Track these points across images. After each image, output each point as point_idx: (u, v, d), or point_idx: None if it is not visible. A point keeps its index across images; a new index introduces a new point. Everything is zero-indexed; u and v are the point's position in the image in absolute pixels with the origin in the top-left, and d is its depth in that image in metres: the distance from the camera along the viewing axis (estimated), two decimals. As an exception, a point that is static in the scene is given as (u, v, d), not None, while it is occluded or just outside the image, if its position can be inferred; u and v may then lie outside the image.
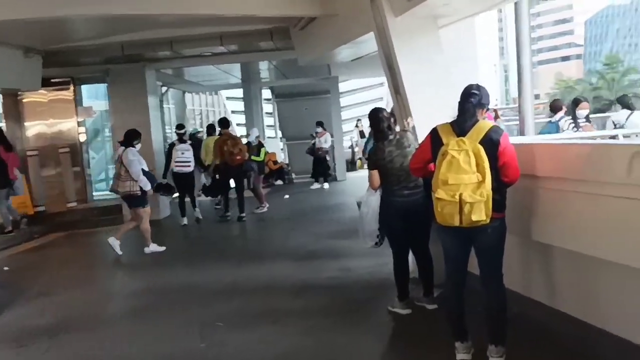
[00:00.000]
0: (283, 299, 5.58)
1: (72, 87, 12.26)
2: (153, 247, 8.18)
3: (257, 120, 17.81)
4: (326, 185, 14.97)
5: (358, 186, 14.41)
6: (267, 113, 20.92)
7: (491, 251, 3.63)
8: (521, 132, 7.16)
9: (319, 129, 15.24)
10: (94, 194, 12.91)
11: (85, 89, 13.03)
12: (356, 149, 19.22)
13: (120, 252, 8.08)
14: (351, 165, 19.25)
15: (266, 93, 21.41)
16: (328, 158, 15.80)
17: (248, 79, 16.46)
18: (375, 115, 4.86)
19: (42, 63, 10.42)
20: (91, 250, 9.42)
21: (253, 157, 11.27)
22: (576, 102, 7.94)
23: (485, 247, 3.62)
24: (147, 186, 7.97)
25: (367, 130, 16.64)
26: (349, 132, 20.35)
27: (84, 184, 12.41)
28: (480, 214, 3.34)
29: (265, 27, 9.65)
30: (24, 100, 12.29)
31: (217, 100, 24.81)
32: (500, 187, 3.53)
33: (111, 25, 8.97)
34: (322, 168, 15.41)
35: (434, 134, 3.67)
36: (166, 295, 6.08)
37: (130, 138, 8.28)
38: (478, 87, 3.65)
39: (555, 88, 64.12)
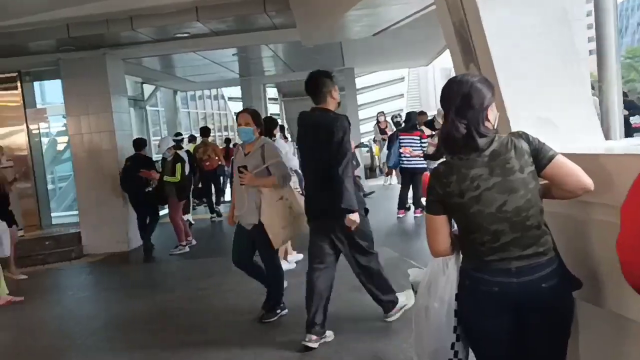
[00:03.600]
0: None
1: (19, 84, 9.70)
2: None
3: (260, 123, 15.15)
4: None
5: (380, 198, 11.79)
6: (273, 114, 18.37)
7: None
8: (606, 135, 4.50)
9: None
10: (55, 216, 10.34)
11: (46, 87, 10.47)
12: (374, 148, 16.18)
13: None
14: (370, 172, 16.75)
15: (273, 92, 18.94)
16: None
17: (247, 72, 13.80)
18: (456, 90, 2.19)
19: None
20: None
21: (166, 178, 8.34)
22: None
23: None
24: None
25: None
26: (367, 134, 17.85)
27: (36, 207, 9.83)
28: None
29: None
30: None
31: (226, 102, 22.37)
32: None
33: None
34: None
35: None
36: None
37: None
38: None
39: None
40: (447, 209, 2.22)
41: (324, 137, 4.08)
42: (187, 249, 8.46)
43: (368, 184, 13.84)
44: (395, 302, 4.55)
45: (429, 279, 2.33)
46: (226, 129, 23.10)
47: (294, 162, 6.73)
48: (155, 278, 7.52)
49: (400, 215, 9.48)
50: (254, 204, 4.65)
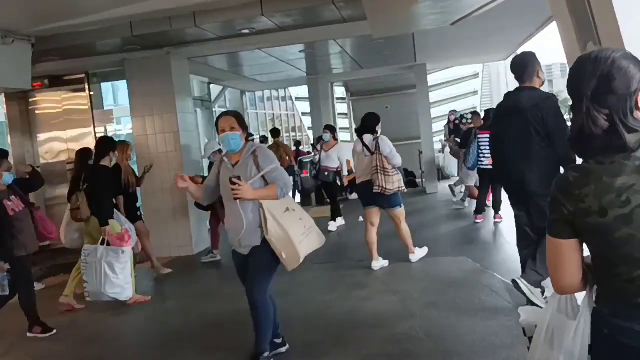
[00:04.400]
0: None
1: (86, 86, 9.68)
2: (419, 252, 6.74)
3: (328, 122, 14.71)
4: (335, 225, 9.49)
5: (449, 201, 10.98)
6: (340, 114, 17.92)
7: None
8: None
9: (327, 136, 9.53)
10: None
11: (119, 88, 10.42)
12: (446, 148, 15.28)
13: None
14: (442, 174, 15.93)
15: (340, 91, 18.47)
16: (339, 182, 10.18)
17: (315, 71, 13.37)
18: (591, 70, 1.60)
19: (37, 53, 7.91)
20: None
21: None
22: None
23: None
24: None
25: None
26: (438, 133, 17.04)
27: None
28: None
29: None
30: (33, 104, 9.96)
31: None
32: None
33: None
34: (330, 196, 9.97)
35: None
36: None
37: None
38: None
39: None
40: (580, 231, 1.63)
41: (536, 115, 4.06)
42: (218, 257, 8.06)
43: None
44: None
45: (551, 324, 1.74)
46: (294, 130, 22.90)
47: (397, 159, 6.29)
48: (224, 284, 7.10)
49: (478, 221, 8.76)
50: (255, 222, 3.82)
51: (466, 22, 7.47)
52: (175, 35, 8.09)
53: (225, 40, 8.51)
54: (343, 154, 9.18)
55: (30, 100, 9.99)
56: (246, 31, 8.12)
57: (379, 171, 6.12)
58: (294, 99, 21.78)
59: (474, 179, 9.31)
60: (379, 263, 6.56)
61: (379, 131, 6.48)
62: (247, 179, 3.78)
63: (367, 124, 6.52)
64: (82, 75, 9.62)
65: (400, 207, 6.41)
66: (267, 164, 3.87)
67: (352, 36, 9.07)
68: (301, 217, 3.96)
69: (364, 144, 6.43)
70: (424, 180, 14.10)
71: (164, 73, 8.69)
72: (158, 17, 7.38)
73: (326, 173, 9.23)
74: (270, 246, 3.79)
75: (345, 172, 9.59)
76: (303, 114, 21.86)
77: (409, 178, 14.33)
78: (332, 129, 9.72)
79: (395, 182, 6.18)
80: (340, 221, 9.59)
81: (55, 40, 7.80)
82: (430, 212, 10.52)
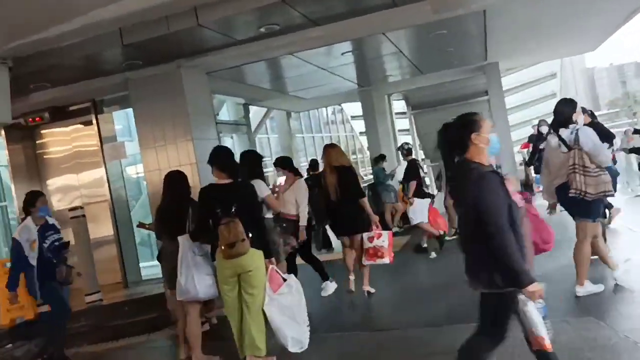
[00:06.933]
0: None
1: (93, 117, 8.16)
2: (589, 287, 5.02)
3: (386, 141, 12.77)
4: (328, 290, 6.48)
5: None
6: (401, 131, 15.91)
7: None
8: None
9: (280, 173, 6.83)
10: (144, 270, 8.59)
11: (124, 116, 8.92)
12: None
13: None
14: (525, 188, 13.57)
15: (399, 106, 16.47)
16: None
17: (366, 81, 11.43)
18: None
19: (21, 80, 6.50)
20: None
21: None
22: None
23: None
24: None
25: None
26: (516, 143, 14.78)
27: (119, 260, 8.16)
28: None
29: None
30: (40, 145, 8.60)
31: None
32: None
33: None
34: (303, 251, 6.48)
35: None
36: None
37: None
38: None
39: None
40: None
41: None
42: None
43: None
44: None
45: None
46: (354, 152, 21.08)
47: (604, 155, 4.96)
48: None
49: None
50: None
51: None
52: (182, 42, 6.42)
53: (245, 45, 6.78)
54: (302, 195, 6.08)
55: (37, 141, 8.64)
56: (268, 29, 6.34)
57: (576, 171, 4.87)
58: (349, 117, 19.96)
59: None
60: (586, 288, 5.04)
61: (580, 122, 5.13)
62: None
63: (560, 112, 5.08)
64: (88, 104, 8.10)
65: (595, 220, 5.02)
66: None
67: (407, 26, 7.10)
68: None
69: (560, 138, 5.08)
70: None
71: (174, 91, 7.04)
72: (151, 18, 5.73)
73: (284, 224, 5.92)
74: None
75: (303, 221, 6.07)
76: (361, 133, 20.02)
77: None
78: (284, 164, 6.46)
79: (600, 185, 4.83)
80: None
81: (35, 60, 6.32)
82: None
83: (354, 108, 18.07)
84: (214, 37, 6.39)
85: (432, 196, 8.65)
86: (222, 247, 4.19)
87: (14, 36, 5.84)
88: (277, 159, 6.56)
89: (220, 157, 4.53)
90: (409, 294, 6.44)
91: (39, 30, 5.72)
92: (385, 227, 7.73)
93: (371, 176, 13.32)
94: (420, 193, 8.08)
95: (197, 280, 4.65)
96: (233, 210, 4.23)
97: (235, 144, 10.62)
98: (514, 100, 18.34)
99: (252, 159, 5.59)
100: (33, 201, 5.49)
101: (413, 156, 8.76)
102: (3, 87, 6.29)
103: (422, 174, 8.63)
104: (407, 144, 8.91)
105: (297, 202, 5.97)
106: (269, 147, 14.70)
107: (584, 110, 7.15)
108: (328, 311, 6.10)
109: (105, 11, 5.45)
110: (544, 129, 9.33)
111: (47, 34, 5.78)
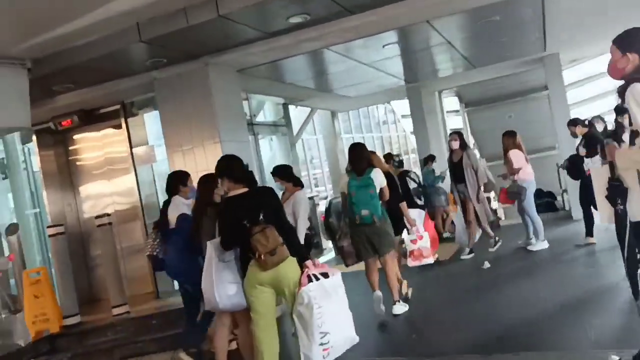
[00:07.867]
0: None
1: (122, 120, 7.81)
2: None
3: (437, 141, 12.01)
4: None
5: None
6: (454, 129, 15.06)
7: None
8: None
9: (277, 184, 5.92)
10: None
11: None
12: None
13: None
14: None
15: (450, 103, 15.62)
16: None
17: (414, 76, 10.68)
18: None
19: (43, 82, 6.21)
20: None
21: None
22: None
23: None
24: None
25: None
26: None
27: (150, 270, 7.77)
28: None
29: None
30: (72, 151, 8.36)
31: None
32: None
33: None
34: None
35: None
36: None
37: None
38: None
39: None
40: None
41: None
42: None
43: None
44: None
45: None
46: (406, 153, 20.28)
47: None
48: None
49: None
50: None
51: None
52: (205, 37, 5.93)
53: (274, 39, 6.24)
54: (300, 208, 5.32)
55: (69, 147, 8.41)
56: (299, 20, 5.77)
57: None
58: (399, 117, 19.20)
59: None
60: None
61: None
62: None
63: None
64: (118, 107, 7.77)
65: None
66: None
67: (455, 12, 6.38)
68: None
69: None
70: (565, 200, 10.85)
71: (201, 91, 6.57)
72: (169, 10, 5.27)
73: None
74: None
75: (299, 236, 5.00)
76: (412, 132, 19.25)
77: (545, 200, 11.18)
78: (283, 173, 5.64)
79: None
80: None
81: (54, 60, 6.00)
82: (585, 253, 7.37)
83: (404, 107, 17.35)
84: (239, 30, 5.87)
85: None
86: (262, 257, 3.69)
87: (28, 34, 5.53)
88: (274, 168, 5.74)
89: (232, 169, 3.98)
90: (454, 311, 5.68)
91: (53, 26, 5.40)
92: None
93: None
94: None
95: (218, 288, 4.08)
96: (261, 217, 3.80)
97: (275, 146, 10.14)
98: (571, 97, 17.11)
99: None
100: (185, 180, 5.04)
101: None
102: (21, 91, 6.00)
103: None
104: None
105: (294, 216, 5.17)
106: (317, 148, 14.18)
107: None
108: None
109: (119, 4, 5.05)
110: (600, 126, 8.32)
111: (63, 31, 5.45)
